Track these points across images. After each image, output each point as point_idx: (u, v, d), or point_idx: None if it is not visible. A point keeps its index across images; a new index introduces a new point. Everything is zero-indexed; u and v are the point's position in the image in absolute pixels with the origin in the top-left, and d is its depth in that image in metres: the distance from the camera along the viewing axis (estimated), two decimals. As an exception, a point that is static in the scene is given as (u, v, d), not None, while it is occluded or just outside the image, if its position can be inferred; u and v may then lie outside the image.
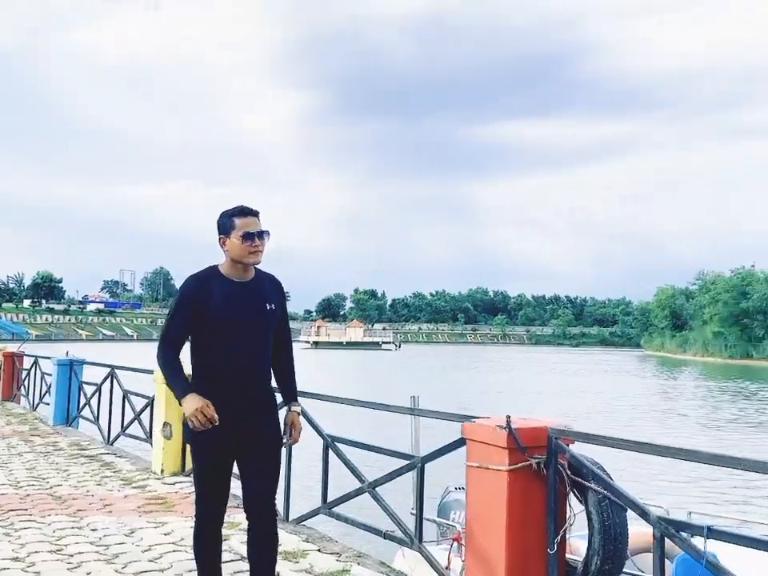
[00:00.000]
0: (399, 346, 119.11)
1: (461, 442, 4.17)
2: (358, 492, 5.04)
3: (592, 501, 3.66)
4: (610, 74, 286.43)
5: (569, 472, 3.71)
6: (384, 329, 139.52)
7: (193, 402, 3.29)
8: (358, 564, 4.44)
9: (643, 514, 3.28)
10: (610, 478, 3.62)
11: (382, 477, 4.84)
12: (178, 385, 3.40)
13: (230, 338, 3.45)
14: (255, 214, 3.58)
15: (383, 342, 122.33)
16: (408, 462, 4.70)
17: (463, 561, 4.30)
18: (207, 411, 3.28)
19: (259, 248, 3.51)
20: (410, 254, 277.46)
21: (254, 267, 3.62)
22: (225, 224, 3.55)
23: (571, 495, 3.78)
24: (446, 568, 4.43)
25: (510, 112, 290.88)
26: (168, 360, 3.47)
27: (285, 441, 3.64)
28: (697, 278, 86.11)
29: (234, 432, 3.44)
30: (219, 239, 3.57)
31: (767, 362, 64.02)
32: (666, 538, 3.14)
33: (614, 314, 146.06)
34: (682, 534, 3.11)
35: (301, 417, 5.61)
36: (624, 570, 3.92)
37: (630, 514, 3.61)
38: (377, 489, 4.91)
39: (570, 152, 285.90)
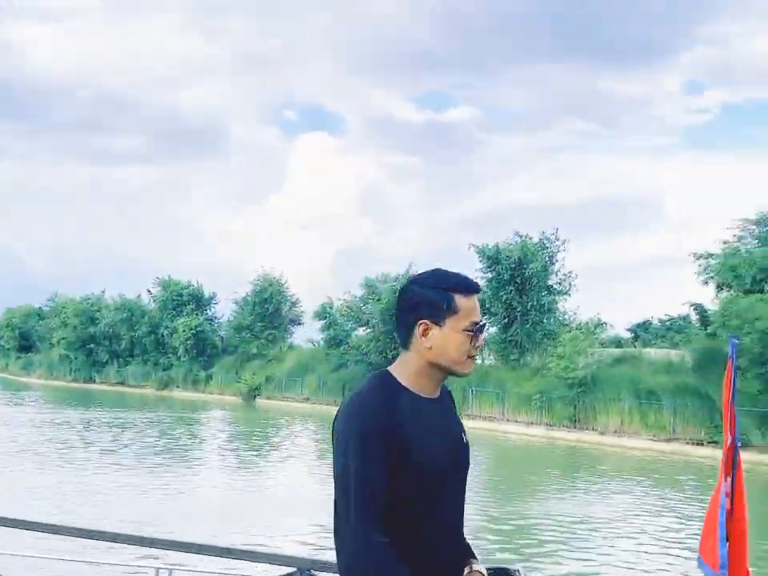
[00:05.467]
0: None
1: None
2: None
3: None
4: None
5: None
6: None
7: None
8: None
9: None
10: None
11: None
12: None
13: (434, 496, 2.09)
14: (479, 290, 2.24)
15: None
16: None
17: None
18: None
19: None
20: None
21: None
22: (436, 301, 2.12)
23: None
24: None
25: None
26: (385, 562, 1.95)
27: None
28: (49, 300, 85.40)
29: None
30: (417, 323, 2.12)
31: (107, 386, 67.22)
32: None
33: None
34: None
35: None
36: None
37: None
38: None
39: None
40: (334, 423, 2.11)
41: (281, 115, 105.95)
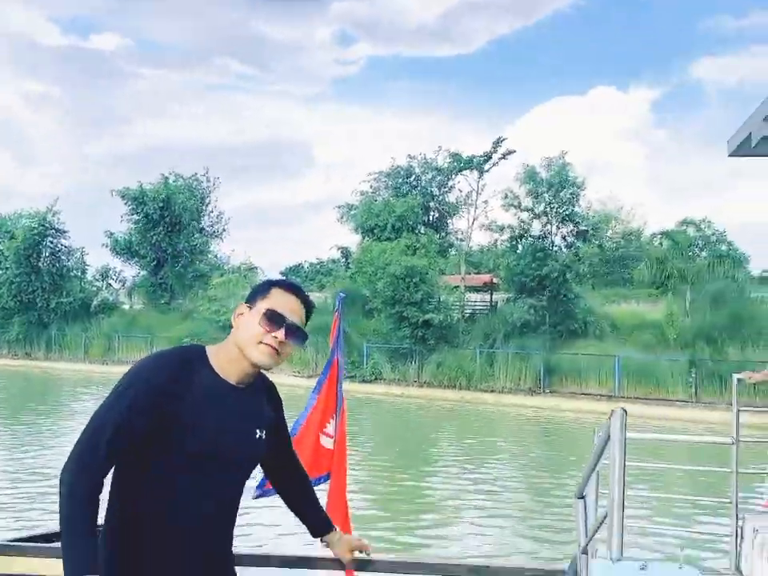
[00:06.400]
0: None
1: None
2: None
3: None
4: None
5: None
6: None
7: None
8: None
9: None
10: None
11: None
12: (78, 549, 1.93)
13: (194, 478, 2.09)
14: (301, 294, 2.23)
15: None
16: None
17: None
18: None
19: (279, 347, 2.14)
20: None
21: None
22: (257, 290, 2.23)
23: None
24: None
25: None
26: (78, 494, 1.96)
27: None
28: None
29: None
30: (237, 308, 2.22)
31: None
32: None
33: None
34: None
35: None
36: None
37: None
38: None
39: None
40: None
41: None
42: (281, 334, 2.15)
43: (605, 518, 2.52)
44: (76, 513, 1.98)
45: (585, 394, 26.11)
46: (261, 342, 2.14)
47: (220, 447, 2.13)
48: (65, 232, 40.70)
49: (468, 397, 27.05)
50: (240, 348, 2.17)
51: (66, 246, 40.95)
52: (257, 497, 3.94)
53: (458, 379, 27.91)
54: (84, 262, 41.99)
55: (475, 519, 11.20)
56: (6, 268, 39.37)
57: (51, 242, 40.20)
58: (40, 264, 39.52)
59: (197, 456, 2.09)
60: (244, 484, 2.31)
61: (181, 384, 2.07)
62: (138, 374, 2.10)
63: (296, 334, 2.19)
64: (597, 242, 32.26)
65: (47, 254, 39.99)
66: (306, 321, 2.30)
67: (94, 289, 42.10)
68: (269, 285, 2.25)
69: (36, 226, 39.07)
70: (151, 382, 2.06)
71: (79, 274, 41.62)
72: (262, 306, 2.18)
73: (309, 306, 2.28)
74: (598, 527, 2.78)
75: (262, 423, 2.29)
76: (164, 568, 2.11)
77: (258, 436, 2.26)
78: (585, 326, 28.26)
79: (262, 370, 2.27)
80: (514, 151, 32.63)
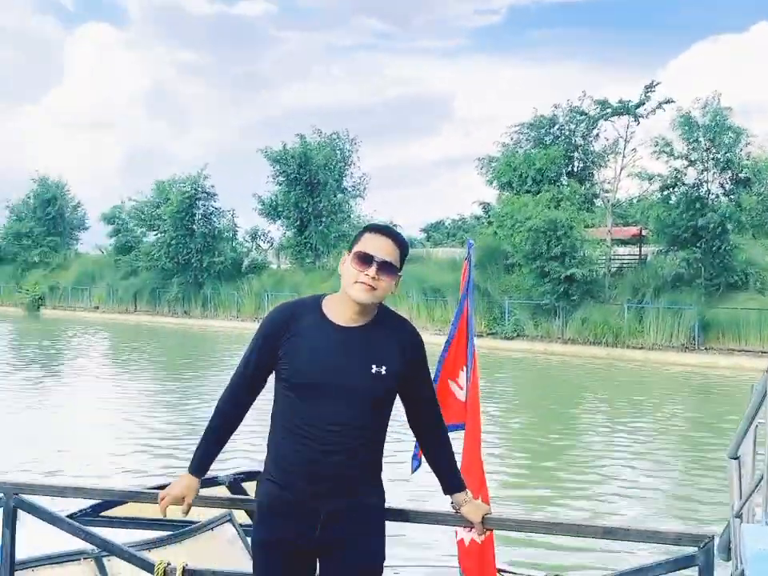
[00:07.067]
0: None
1: None
2: None
3: None
4: None
5: None
6: None
7: (178, 486, 2.59)
8: None
9: None
10: None
11: None
12: (198, 452, 2.62)
13: (307, 407, 2.47)
14: (390, 234, 2.53)
15: None
16: None
17: None
18: (163, 506, 2.58)
19: (373, 283, 2.44)
20: None
21: (381, 308, 2.56)
22: (353, 239, 2.58)
23: None
24: None
25: None
26: (218, 410, 2.61)
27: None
28: None
29: (304, 554, 2.51)
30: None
31: None
32: None
33: None
34: None
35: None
36: None
37: None
38: None
39: None
40: None
41: (56, 3, 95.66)
42: (372, 270, 2.43)
43: (761, 479, 2.27)
44: (211, 423, 2.59)
45: (744, 351, 24.54)
46: (356, 282, 2.44)
47: (324, 379, 2.44)
48: (214, 195, 42.58)
49: (615, 354, 26.13)
50: (344, 290, 2.48)
51: (216, 209, 42.90)
52: (414, 469, 3.85)
53: (605, 336, 26.97)
54: (234, 224, 43.84)
55: (624, 480, 10.79)
56: (164, 231, 41.75)
57: (203, 205, 42.21)
58: (194, 226, 41.62)
59: (304, 386, 2.45)
60: (369, 416, 2.49)
61: (292, 326, 2.48)
62: (264, 321, 2.60)
63: (386, 269, 2.45)
64: (759, 190, 29.89)
65: (200, 217, 42.05)
66: (402, 258, 2.53)
67: (245, 249, 43.95)
68: (362, 231, 2.56)
69: (188, 189, 41.09)
70: (268, 327, 2.54)
71: (230, 235, 43.50)
72: (357, 248, 2.48)
73: (401, 245, 2.51)
74: (754, 490, 2.51)
75: (380, 360, 2.48)
76: (283, 481, 2.48)
77: (374, 371, 2.46)
78: (745, 278, 26.43)
79: (401, 315, 2.65)
80: (673, 101, 30.19)
